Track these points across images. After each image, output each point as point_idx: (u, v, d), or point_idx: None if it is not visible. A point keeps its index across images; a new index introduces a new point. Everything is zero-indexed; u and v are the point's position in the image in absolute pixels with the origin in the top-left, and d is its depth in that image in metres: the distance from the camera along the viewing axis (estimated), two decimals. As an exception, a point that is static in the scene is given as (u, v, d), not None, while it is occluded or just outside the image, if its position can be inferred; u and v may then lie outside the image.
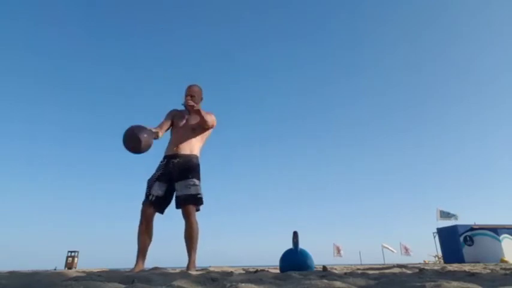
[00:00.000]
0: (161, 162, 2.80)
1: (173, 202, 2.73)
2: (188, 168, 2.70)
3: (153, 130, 2.62)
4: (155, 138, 2.63)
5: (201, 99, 2.97)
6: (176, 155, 2.74)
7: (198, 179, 2.72)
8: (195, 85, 2.96)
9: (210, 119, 2.82)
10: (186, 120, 2.89)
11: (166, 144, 2.92)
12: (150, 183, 2.70)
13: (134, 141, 2.36)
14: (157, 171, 2.75)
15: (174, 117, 2.93)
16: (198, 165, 2.78)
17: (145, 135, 2.39)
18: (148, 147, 2.45)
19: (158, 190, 2.65)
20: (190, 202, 2.62)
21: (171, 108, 3.03)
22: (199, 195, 2.65)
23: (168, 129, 2.90)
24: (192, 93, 2.85)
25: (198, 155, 2.85)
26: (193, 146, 2.81)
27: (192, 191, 2.63)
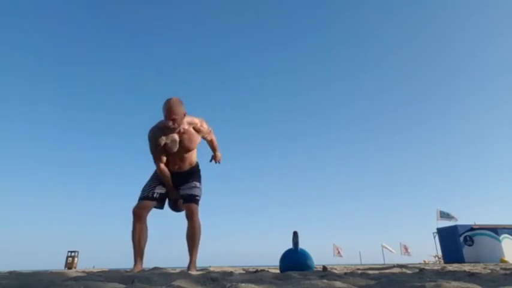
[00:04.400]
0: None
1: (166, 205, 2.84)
2: (191, 174, 2.82)
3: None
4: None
5: (184, 114, 2.53)
6: (178, 173, 2.78)
7: (199, 181, 2.83)
8: (172, 102, 2.43)
9: (215, 140, 3.00)
10: (179, 143, 2.64)
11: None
12: (153, 184, 2.73)
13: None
14: (156, 179, 2.75)
15: (165, 145, 2.62)
16: (198, 170, 2.92)
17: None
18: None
19: (161, 189, 2.73)
20: (194, 201, 2.70)
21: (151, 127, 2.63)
22: (197, 197, 2.74)
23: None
24: (173, 116, 2.42)
25: (196, 161, 2.93)
26: (192, 160, 2.85)
27: (194, 191, 2.73)
